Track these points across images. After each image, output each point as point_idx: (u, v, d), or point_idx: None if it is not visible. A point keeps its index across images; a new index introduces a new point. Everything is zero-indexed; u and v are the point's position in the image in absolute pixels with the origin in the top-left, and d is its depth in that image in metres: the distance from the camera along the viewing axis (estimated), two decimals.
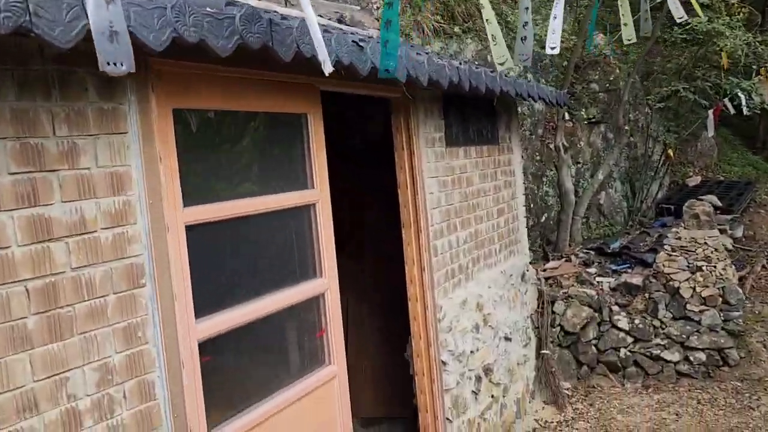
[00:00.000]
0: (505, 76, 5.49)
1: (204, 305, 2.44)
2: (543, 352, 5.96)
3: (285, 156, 2.99)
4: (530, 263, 7.05)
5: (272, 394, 2.75)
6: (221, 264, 2.58)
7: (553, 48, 3.70)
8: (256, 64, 2.46)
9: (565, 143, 7.32)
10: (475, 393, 4.65)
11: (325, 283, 3.15)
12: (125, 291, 2.04)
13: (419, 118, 4.09)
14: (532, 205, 7.96)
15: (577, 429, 5.28)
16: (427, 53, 3.60)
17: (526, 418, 5.49)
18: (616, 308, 6.16)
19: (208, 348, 2.46)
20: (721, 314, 5.80)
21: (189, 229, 2.36)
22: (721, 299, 5.81)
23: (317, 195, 3.11)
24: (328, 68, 2.09)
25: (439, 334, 4.16)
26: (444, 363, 4.20)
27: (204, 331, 2.40)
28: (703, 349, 5.81)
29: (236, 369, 2.65)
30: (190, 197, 2.39)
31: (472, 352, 4.59)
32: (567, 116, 8.16)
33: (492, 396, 4.92)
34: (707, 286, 5.81)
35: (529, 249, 7.76)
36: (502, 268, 5.33)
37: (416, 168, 4.06)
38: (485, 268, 5.06)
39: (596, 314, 6.16)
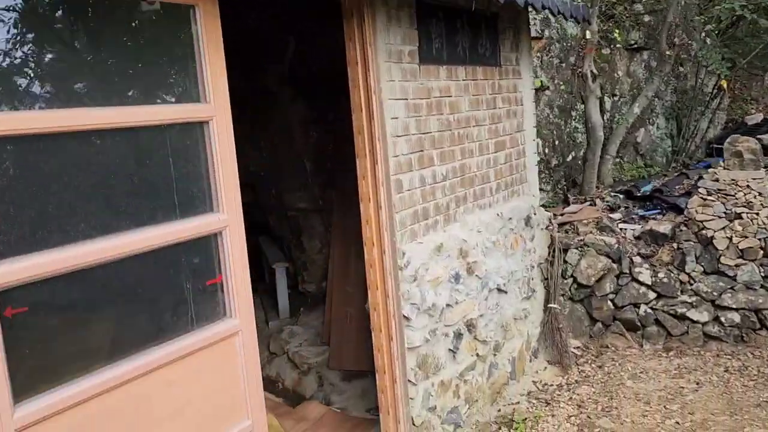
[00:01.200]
0: None
1: (19, 243, 1.91)
2: (551, 306, 5.29)
3: (159, 60, 2.37)
4: (549, 206, 6.30)
5: (130, 355, 2.23)
6: (51, 191, 2.03)
7: None
8: None
9: (594, 70, 6.37)
10: (453, 352, 4.05)
11: (223, 220, 2.57)
12: None
13: (377, 26, 3.37)
14: (557, 142, 7.11)
15: (578, 394, 4.64)
16: None
17: (523, 380, 4.88)
18: (638, 259, 5.38)
19: (25, 297, 1.94)
20: (761, 269, 4.94)
21: None
22: (762, 252, 4.94)
23: (211, 110, 2.50)
24: None
25: (400, 284, 3.55)
26: (407, 318, 3.60)
27: (9, 275, 1.87)
28: (737, 309, 5.00)
29: (78, 324, 2.13)
30: None
31: (449, 305, 3.97)
32: (601, 41, 7.15)
33: (477, 355, 4.32)
34: (746, 237, 4.94)
35: (552, 191, 6.98)
36: (498, 210, 4.63)
37: (372, 87, 3.38)
38: (475, 209, 4.38)
39: (615, 265, 5.40)
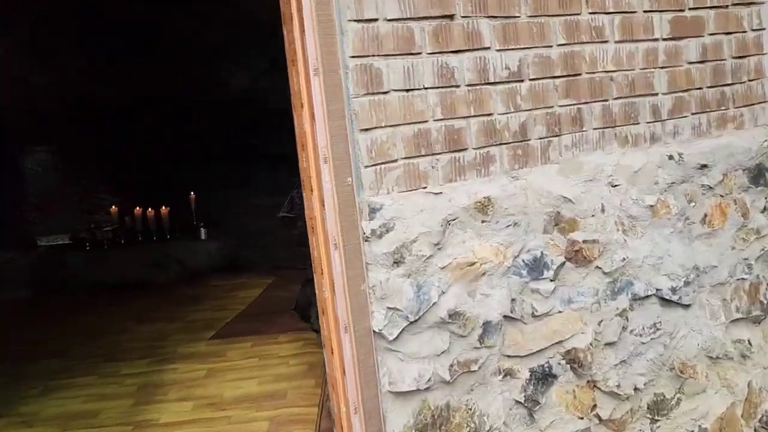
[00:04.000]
0: None
1: None
2: None
3: None
4: None
5: None
6: None
7: None
8: None
9: None
10: (526, 406, 2.15)
11: None
12: None
13: None
14: None
15: None
16: None
17: None
18: None
19: None
20: None
21: None
22: None
23: None
24: None
25: (368, 268, 1.84)
26: (380, 334, 1.87)
27: None
28: None
29: None
30: None
31: (510, 318, 2.08)
32: None
33: (598, 417, 2.30)
34: None
35: None
36: (674, 149, 2.46)
37: None
38: (609, 143, 2.34)
39: None
